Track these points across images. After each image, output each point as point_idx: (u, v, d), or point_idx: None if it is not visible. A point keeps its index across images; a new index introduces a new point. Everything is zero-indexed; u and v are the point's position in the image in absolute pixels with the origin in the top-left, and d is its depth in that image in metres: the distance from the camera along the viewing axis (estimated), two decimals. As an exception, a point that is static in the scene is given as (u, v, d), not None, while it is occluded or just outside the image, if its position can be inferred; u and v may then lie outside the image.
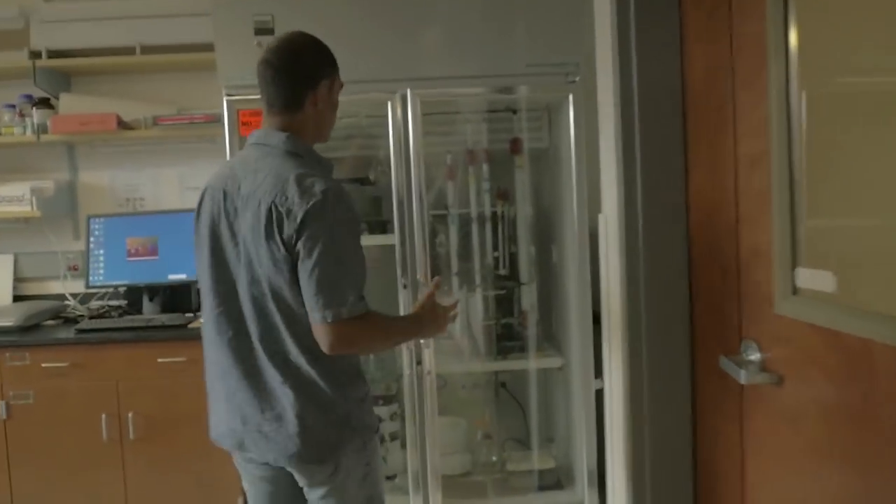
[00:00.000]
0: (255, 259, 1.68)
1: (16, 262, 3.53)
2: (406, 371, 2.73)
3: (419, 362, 2.72)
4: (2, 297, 3.47)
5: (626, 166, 1.87)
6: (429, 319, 1.89)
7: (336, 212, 1.63)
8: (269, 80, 1.74)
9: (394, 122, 2.67)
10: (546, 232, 3.10)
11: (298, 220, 1.61)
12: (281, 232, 1.63)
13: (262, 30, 2.62)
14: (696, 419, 1.91)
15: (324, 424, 1.72)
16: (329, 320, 1.61)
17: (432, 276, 2.71)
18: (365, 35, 2.66)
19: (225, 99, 2.64)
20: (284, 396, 1.71)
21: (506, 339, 3.02)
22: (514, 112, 2.95)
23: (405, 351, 2.72)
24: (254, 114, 2.61)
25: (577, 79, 2.70)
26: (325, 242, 1.61)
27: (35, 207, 3.30)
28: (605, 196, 2.07)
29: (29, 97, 3.40)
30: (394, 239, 2.71)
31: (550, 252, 3.12)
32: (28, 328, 3.11)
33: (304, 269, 1.62)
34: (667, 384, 1.92)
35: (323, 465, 1.75)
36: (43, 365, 2.93)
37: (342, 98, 1.89)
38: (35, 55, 3.31)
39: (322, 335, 1.63)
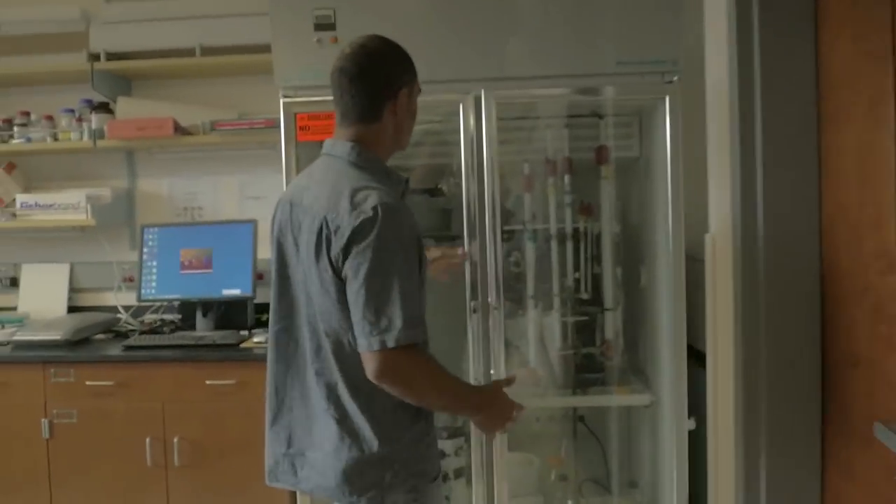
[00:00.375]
0: (309, 278, 1.60)
1: (72, 271, 3.40)
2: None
3: (489, 398, 2.43)
4: (56, 307, 3.34)
5: (745, 178, 1.55)
6: (490, 403, 1.71)
7: (388, 230, 1.49)
8: (345, 89, 1.62)
9: (466, 126, 2.40)
10: (634, 252, 2.77)
11: (346, 237, 1.50)
12: (329, 250, 1.53)
13: (323, 25, 2.39)
14: (826, 484, 1.56)
15: (365, 462, 1.59)
16: (375, 348, 1.48)
17: (506, 298, 2.43)
18: (434, 29, 2.40)
19: (282, 101, 2.42)
20: (327, 426, 1.62)
21: (586, 371, 2.70)
22: (601, 117, 2.64)
23: (472, 380, 2.43)
24: (312, 117, 2.39)
25: (675, 79, 2.38)
26: (374, 262, 1.48)
27: (90, 216, 3.16)
28: (714, 213, 1.74)
29: (88, 102, 3.27)
30: (463, 256, 2.43)
31: (638, 275, 2.78)
32: (77, 342, 2.95)
33: (351, 290, 1.51)
34: (790, 438, 1.58)
35: (364, 498, 1.60)
36: (87, 383, 2.76)
37: (411, 101, 1.68)
38: (94, 57, 3.18)
39: (367, 363, 1.51)
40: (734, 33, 1.57)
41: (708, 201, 2.50)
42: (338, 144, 1.65)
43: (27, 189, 3.38)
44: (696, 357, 2.53)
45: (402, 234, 1.52)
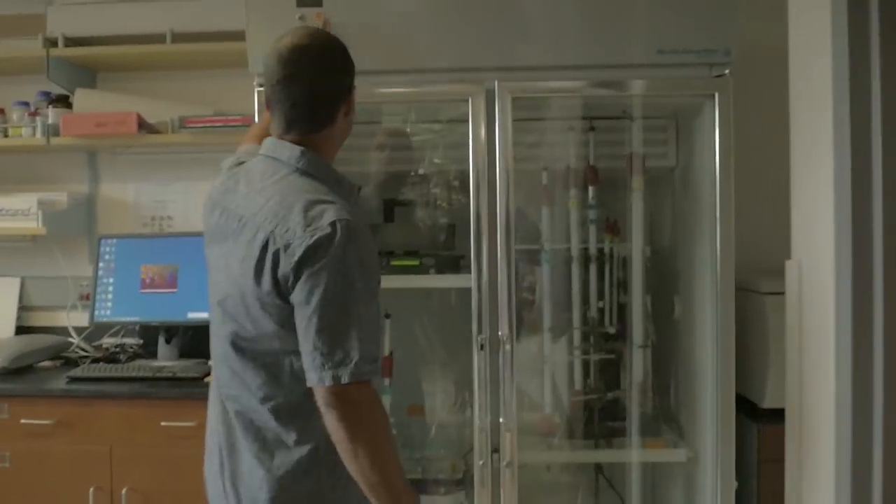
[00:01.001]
0: (240, 296, 1.41)
1: (22, 286, 2.99)
2: (478, 461, 2.03)
3: (496, 450, 2.02)
4: (2, 327, 2.92)
5: (858, 195, 1.14)
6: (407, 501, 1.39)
7: (347, 250, 1.32)
8: (294, 97, 1.42)
9: (475, 125, 2.01)
10: (668, 278, 2.36)
11: (297, 256, 1.32)
12: (275, 270, 1.35)
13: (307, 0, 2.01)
14: None
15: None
16: (326, 382, 1.31)
17: (518, 331, 2.04)
18: (437, 7, 2.01)
19: (256, 91, 2.04)
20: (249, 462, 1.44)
21: (610, 418, 2.29)
22: (632, 118, 2.24)
23: (478, 434, 2.02)
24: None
25: (727, 72, 1.99)
26: (329, 287, 1.31)
27: (42, 223, 2.75)
28: (801, 235, 1.33)
29: (46, 94, 2.87)
30: (469, 280, 2.03)
31: (671, 305, 2.38)
32: (16, 371, 2.54)
33: (301, 316, 1.34)
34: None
35: None
36: (23, 421, 2.35)
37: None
38: (51, 43, 2.78)
39: (321, 399, 1.34)
40: (843, 19, 1.17)
41: (764, 219, 2.12)
42: (283, 148, 1.45)
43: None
44: (740, 405, 2.14)
45: (361, 256, 1.35)
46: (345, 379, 1.30)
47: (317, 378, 1.32)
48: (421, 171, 2.43)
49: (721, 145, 1.98)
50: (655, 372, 2.30)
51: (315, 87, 1.42)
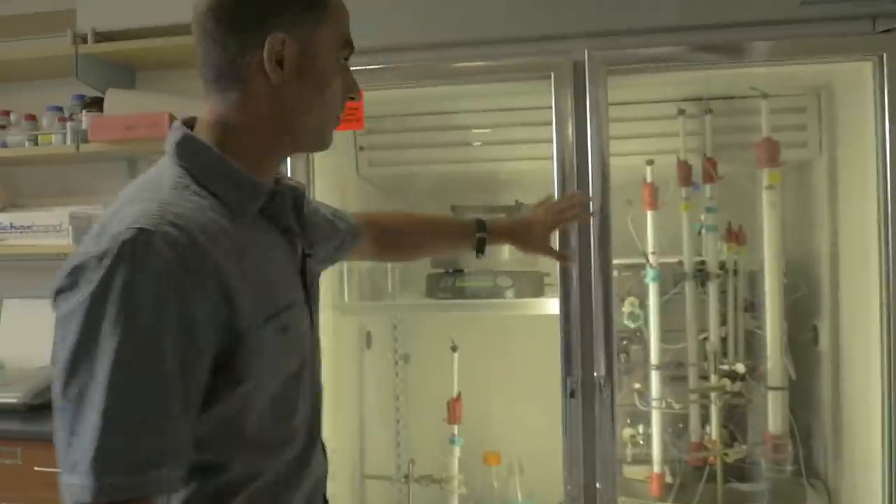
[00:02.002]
0: None
1: (57, 310, 2.71)
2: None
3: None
4: (34, 355, 2.64)
5: None
6: None
7: (122, 284, 0.77)
8: (197, 36, 0.94)
9: (559, 106, 1.57)
10: (807, 301, 1.86)
11: (54, 292, 0.80)
12: None
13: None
14: None
15: None
16: (66, 500, 0.78)
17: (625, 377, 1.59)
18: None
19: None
20: None
21: (737, 479, 1.79)
22: (765, 96, 1.75)
23: (567, 502, 1.57)
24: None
25: (897, 28, 1.49)
26: (78, 343, 0.77)
27: (73, 240, 2.47)
28: None
29: (81, 97, 2.59)
30: (554, 305, 1.59)
31: (814, 333, 1.87)
32: (38, 407, 2.24)
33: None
34: None
35: None
36: (36, 468, 2.05)
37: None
38: (81, 40, 2.50)
39: None
40: None
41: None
42: (175, 130, 0.95)
43: (10, 207, 2.74)
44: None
45: (149, 296, 0.77)
46: (80, 497, 0.77)
47: (63, 487, 0.80)
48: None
49: (893, 125, 1.48)
50: (796, 421, 1.80)
51: (214, 17, 0.91)
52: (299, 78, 0.92)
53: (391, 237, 1.41)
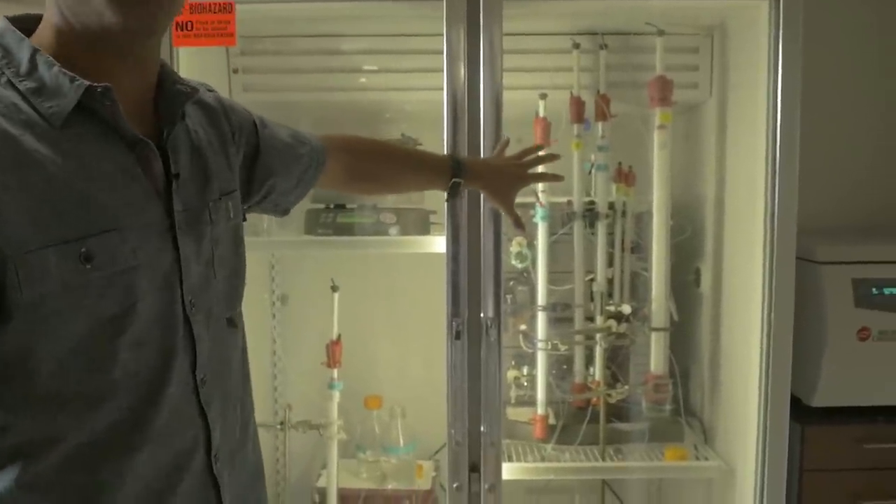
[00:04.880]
0: None
1: None
2: (451, 483, 1.53)
3: (474, 469, 1.52)
4: None
5: None
6: None
7: None
8: None
9: (451, 33, 1.46)
10: (690, 243, 1.87)
11: None
12: None
13: None
14: None
15: None
16: None
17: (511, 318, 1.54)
18: None
19: None
20: None
21: (620, 419, 1.80)
22: (661, 33, 1.70)
23: (450, 449, 1.52)
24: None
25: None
26: None
27: None
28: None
29: None
30: (441, 244, 1.51)
31: (696, 276, 1.89)
32: None
33: None
34: None
35: None
36: None
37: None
38: None
39: None
40: None
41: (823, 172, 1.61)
42: None
43: None
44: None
45: None
46: None
47: None
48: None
49: (785, 67, 1.46)
50: (677, 362, 1.81)
51: None
52: None
53: (367, 168, 1.28)
